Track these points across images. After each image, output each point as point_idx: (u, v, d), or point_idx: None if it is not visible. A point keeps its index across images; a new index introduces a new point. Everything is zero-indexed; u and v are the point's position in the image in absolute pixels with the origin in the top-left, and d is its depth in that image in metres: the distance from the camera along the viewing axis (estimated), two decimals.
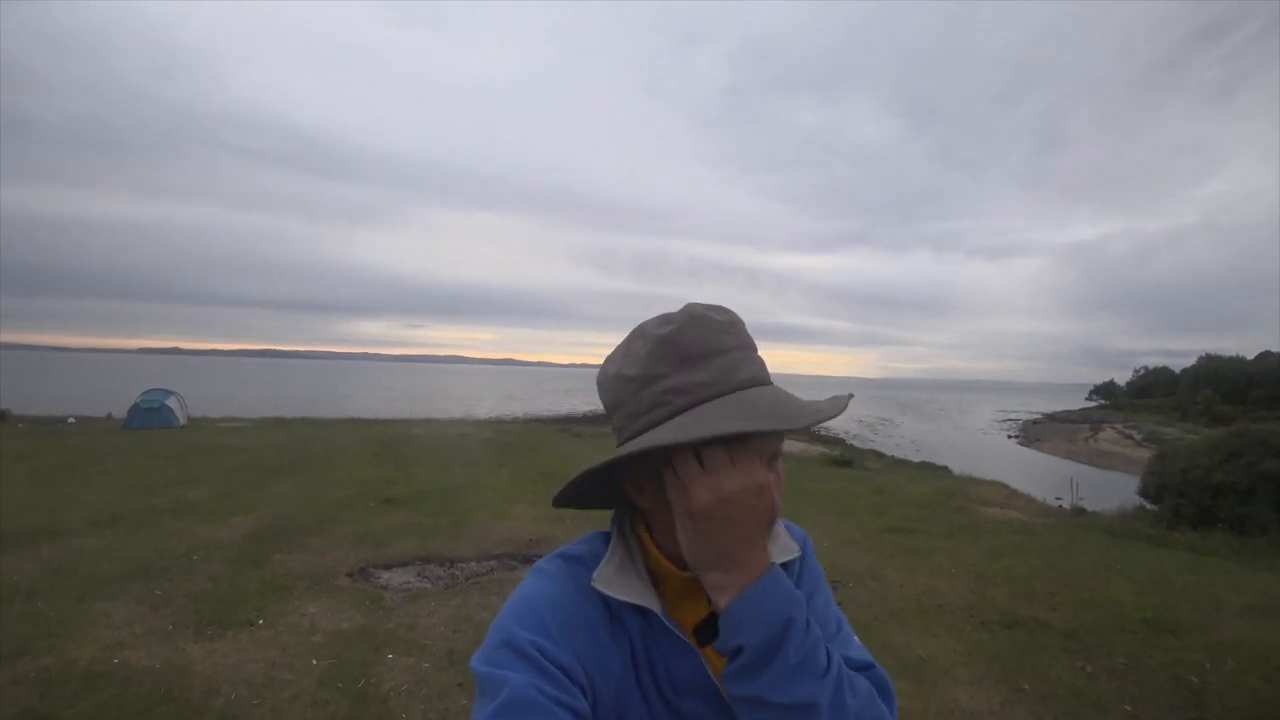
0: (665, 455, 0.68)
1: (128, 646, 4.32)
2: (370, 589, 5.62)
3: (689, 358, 0.69)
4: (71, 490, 9.35)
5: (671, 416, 0.68)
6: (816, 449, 18.23)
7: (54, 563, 6.03)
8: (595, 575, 0.72)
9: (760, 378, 0.72)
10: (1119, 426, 49.30)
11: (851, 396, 0.76)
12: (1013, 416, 67.68)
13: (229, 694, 3.76)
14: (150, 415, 19.17)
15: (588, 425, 25.84)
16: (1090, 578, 6.35)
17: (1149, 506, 10.60)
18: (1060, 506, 12.06)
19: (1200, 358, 69.54)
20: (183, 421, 20.17)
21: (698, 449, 0.66)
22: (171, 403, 20.16)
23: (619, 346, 0.76)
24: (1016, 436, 45.22)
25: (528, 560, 6.37)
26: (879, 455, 21.35)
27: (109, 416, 22.22)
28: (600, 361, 0.79)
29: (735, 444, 0.66)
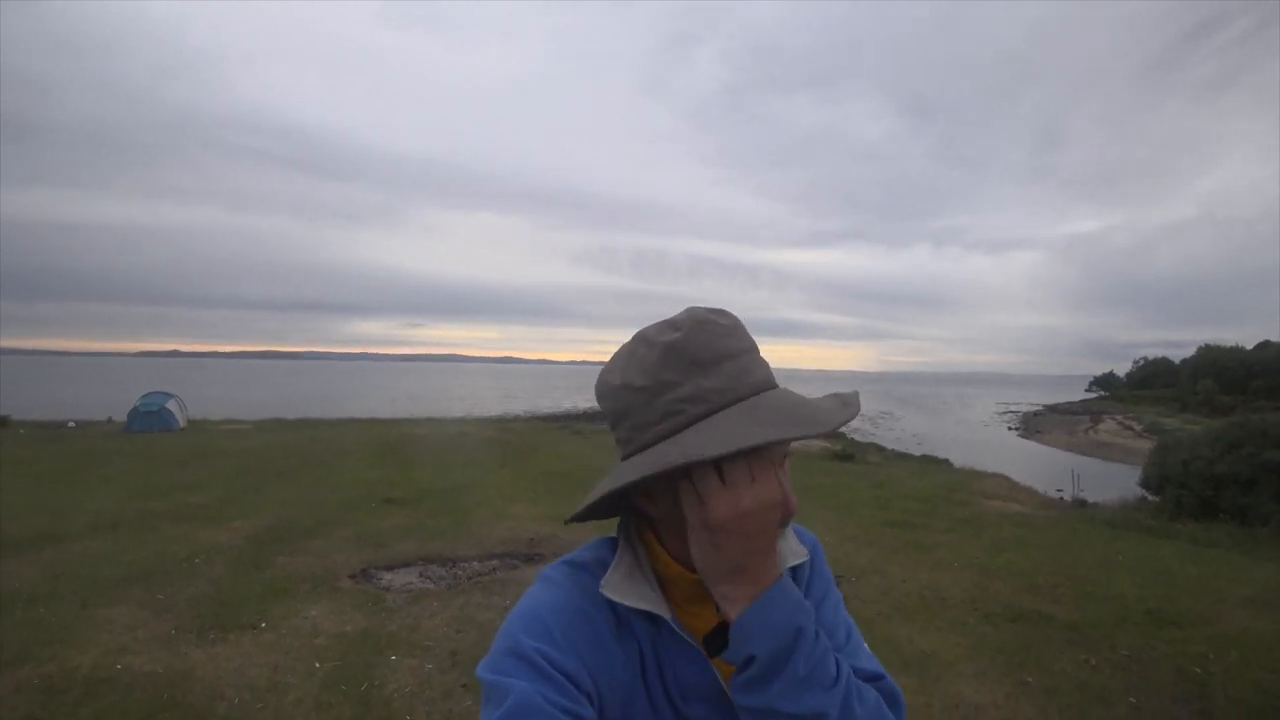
0: (683, 466, 0.66)
1: (130, 652, 4.31)
2: (372, 590, 5.61)
3: (699, 364, 0.68)
4: (72, 495, 9.35)
5: (686, 426, 0.67)
6: (817, 443, 18.21)
7: (55, 568, 6.02)
8: (604, 582, 0.72)
9: (770, 380, 0.72)
10: (1119, 418, 49.32)
11: (856, 395, 0.76)
12: (1013, 409, 67.70)
13: (232, 698, 3.75)
14: (150, 418, 19.18)
15: (589, 423, 25.85)
16: (1093, 570, 6.35)
17: (1150, 498, 10.60)
18: (1062, 499, 12.07)
19: (1200, 348, 69.51)
20: (183, 424, 20.17)
21: (719, 462, 0.65)
22: (171, 405, 20.17)
23: (620, 354, 0.74)
24: (1017, 429, 45.24)
25: (530, 560, 6.36)
26: (880, 449, 21.36)
27: (109, 420, 22.22)
28: (601, 359, 0.78)
29: (754, 455, 0.66)
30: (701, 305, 0.73)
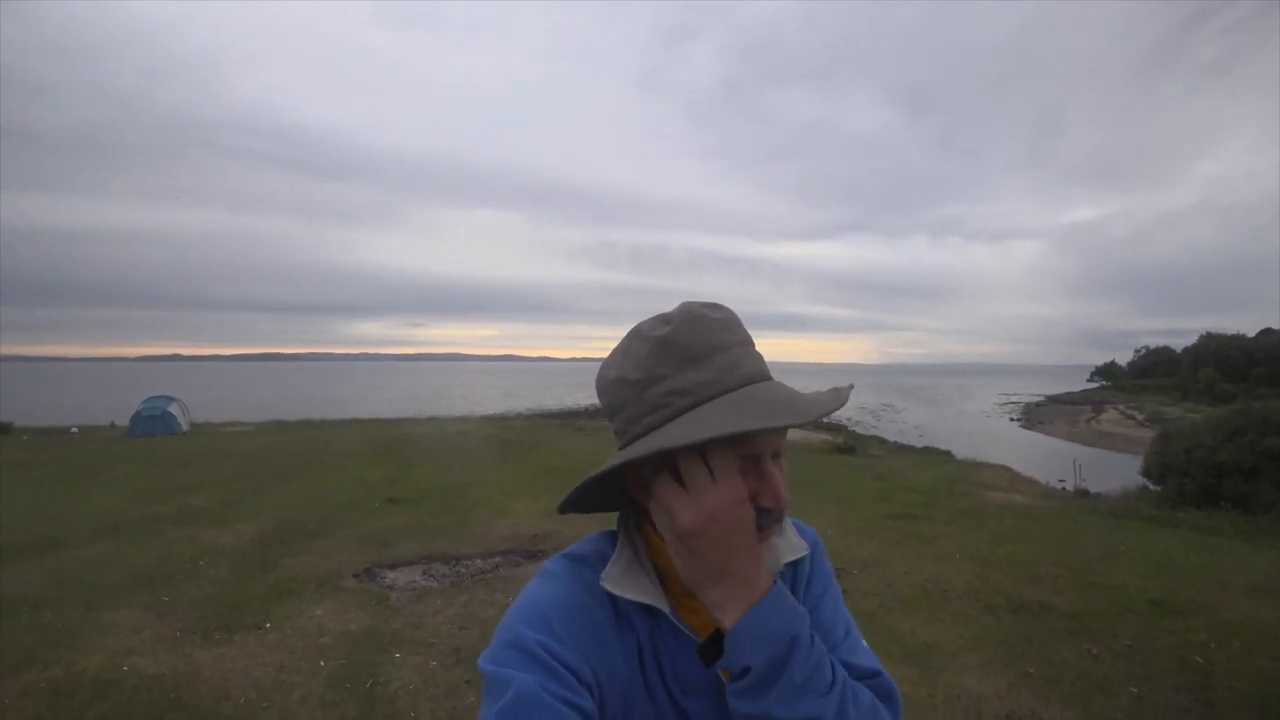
0: (669, 455, 0.68)
1: (135, 654, 4.33)
2: (376, 589, 5.63)
3: (690, 357, 0.69)
4: (76, 499, 9.38)
5: (674, 417, 0.68)
6: (819, 437, 18.23)
7: (60, 572, 6.05)
8: (604, 575, 0.72)
9: (762, 373, 0.72)
10: (1121, 407, 49.28)
11: (851, 387, 0.75)
12: (1014, 399, 67.63)
13: (238, 698, 3.77)
14: (153, 422, 19.22)
15: (590, 420, 25.87)
16: (1095, 560, 6.35)
17: (1152, 487, 10.61)
18: (1063, 489, 12.06)
19: (1201, 336, 69.41)
20: (185, 428, 20.21)
21: (677, 469, 0.67)
22: (173, 409, 20.21)
23: (617, 349, 0.75)
24: (1018, 419, 45.20)
25: (532, 556, 6.38)
26: (882, 441, 21.37)
27: (112, 425, 22.26)
28: (601, 355, 0.78)
29: (715, 457, 0.66)
30: (697, 300, 0.74)
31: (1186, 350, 72.63)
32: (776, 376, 0.74)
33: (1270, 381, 52.59)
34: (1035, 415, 47.36)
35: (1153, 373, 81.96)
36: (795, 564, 0.82)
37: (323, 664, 4.19)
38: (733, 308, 0.75)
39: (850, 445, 16.83)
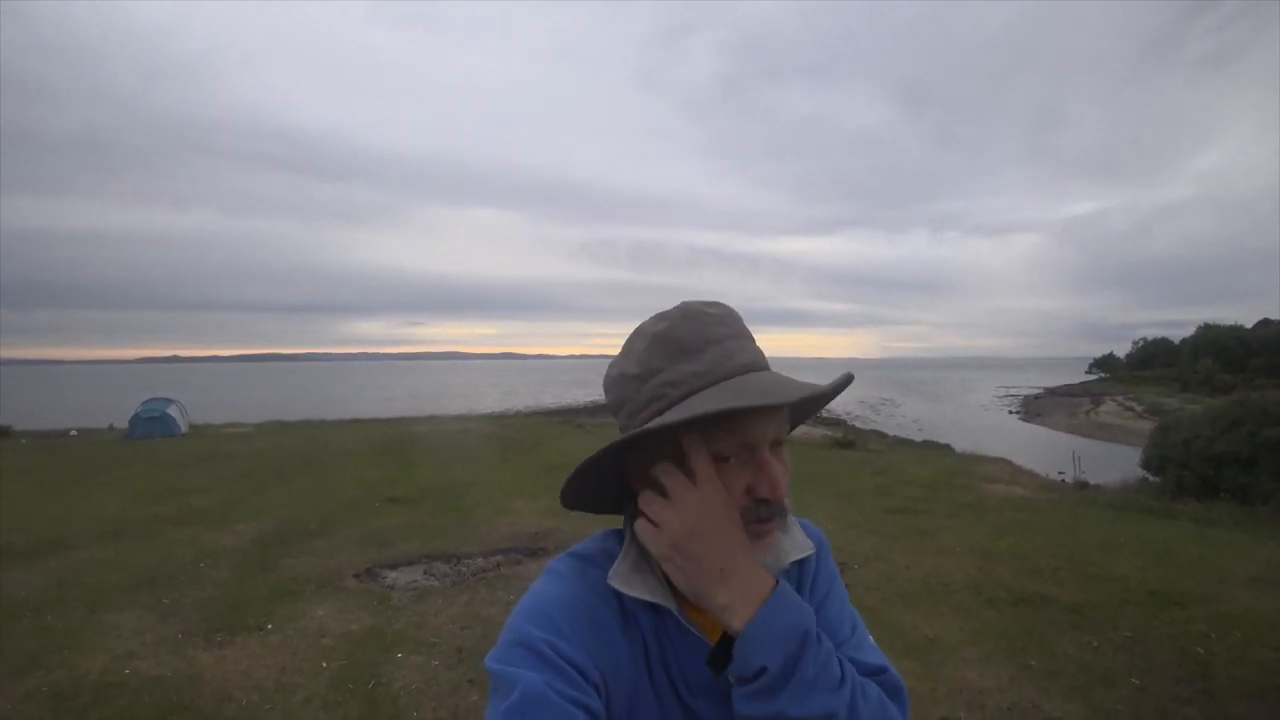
0: (663, 446, 0.70)
1: (138, 657, 4.33)
2: (377, 589, 5.63)
3: (685, 350, 0.70)
4: (76, 502, 9.37)
5: (668, 408, 0.69)
6: (819, 431, 18.26)
7: (61, 575, 6.04)
8: (611, 573, 0.72)
9: (757, 364, 0.72)
10: (1120, 399, 49.36)
11: (851, 377, 0.76)
12: (1013, 392, 67.72)
13: (240, 700, 3.78)
14: (152, 424, 19.20)
15: (590, 417, 25.88)
16: (1095, 552, 6.37)
17: (1151, 479, 10.62)
18: (1063, 481, 12.09)
19: (1199, 328, 69.46)
20: (184, 429, 20.19)
21: (659, 482, 0.69)
22: (172, 411, 20.18)
23: (622, 348, 0.78)
24: (1018, 412, 45.27)
25: (533, 554, 6.39)
26: (881, 436, 21.39)
27: (111, 428, 22.23)
28: (601, 352, 0.79)
29: (693, 458, 0.67)
30: (697, 299, 0.76)
31: (1185, 342, 72.71)
32: (777, 371, 0.75)
33: (1269, 372, 52.67)
34: (1034, 408, 47.44)
35: (1151, 364, 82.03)
36: (801, 563, 0.83)
37: (325, 665, 4.20)
38: (734, 304, 0.77)
39: (850, 440, 16.85)
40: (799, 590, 0.81)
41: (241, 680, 4.00)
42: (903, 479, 10.80)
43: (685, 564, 0.66)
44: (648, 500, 0.69)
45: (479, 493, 9.60)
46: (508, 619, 0.71)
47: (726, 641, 0.67)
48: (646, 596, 0.72)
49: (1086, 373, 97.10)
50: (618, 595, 0.72)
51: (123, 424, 20.44)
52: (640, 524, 0.70)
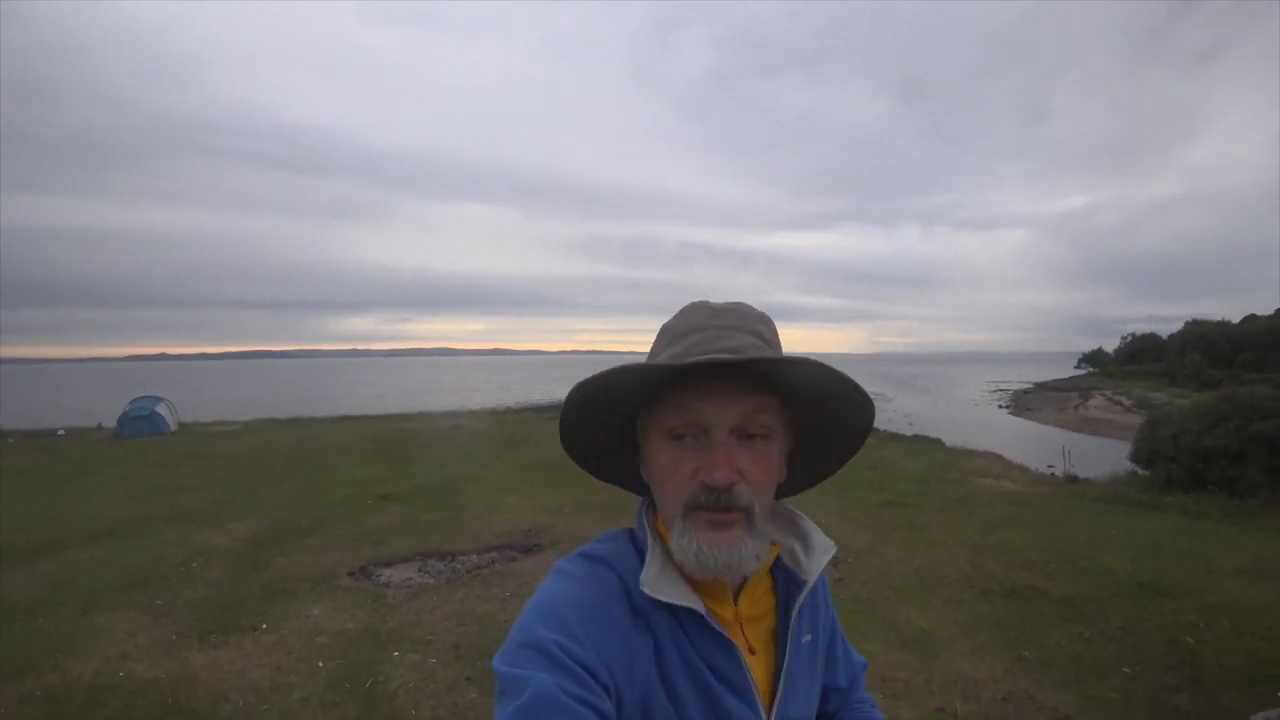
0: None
1: (132, 658, 4.31)
2: (372, 587, 5.62)
3: (677, 335, 0.75)
4: (67, 503, 9.28)
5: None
6: None
7: (54, 577, 5.99)
8: (642, 579, 0.71)
9: (738, 348, 0.70)
10: (1108, 393, 49.78)
11: (829, 369, 0.71)
12: (1004, 387, 68.10)
13: (236, 701, 3.76)
14: (141, 423, 19.02)
15: None
16: (1085, 545, 6.44)
17: (1141, 472, 10.73)
18: (1053, 475, 12.18)
19: (1187, 323, 70.11)
20: (173, 428, 20.02)
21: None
22: (161, 409, 20.00)
23: None
24: (1008, 407, 45.54)
25: (527, 551, 6.39)
26: (873, 430, 21.43)
27: (99, 427, 22.00)
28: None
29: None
30: (707, 299, 0.79)
31: (1172, 337, 73.37)
32: None
33: (1256, 367, 53.26)
34: (1024, 402, 47.74)
35: (1139, 359, 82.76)
36: (813, 592, 0.83)
37: (321, 664, 4.18)
38: (725, 299, 0.79)
39: None
40: (801, 611, 0.80)
41: (237, 681, 3.99)
42: (895, 473, 10.86)
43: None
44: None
45: (472, 489, 9.58)
46: (516, 620, 0.70)
47: None
48: (677, 600, 0.71)
49: (1075, 368, 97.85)
50: (629, 595, 0.72)
51: (111, 423, 20.25)
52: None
